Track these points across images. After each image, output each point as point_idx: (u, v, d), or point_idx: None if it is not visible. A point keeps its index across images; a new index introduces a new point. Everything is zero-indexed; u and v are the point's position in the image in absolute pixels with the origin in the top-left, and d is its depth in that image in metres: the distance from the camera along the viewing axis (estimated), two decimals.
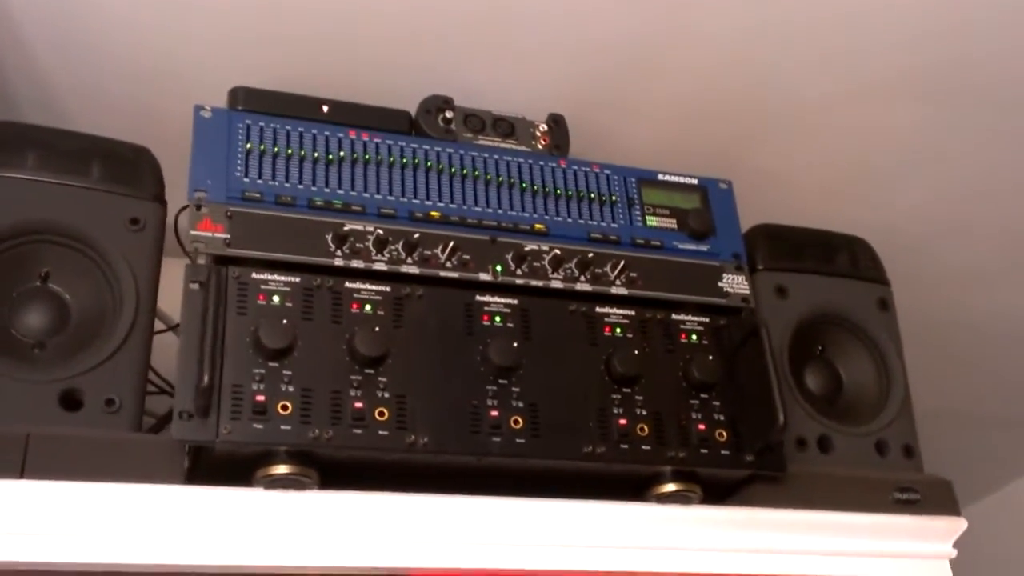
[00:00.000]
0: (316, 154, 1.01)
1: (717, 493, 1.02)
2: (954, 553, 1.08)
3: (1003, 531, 2.08)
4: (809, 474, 1.06)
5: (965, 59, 1.22)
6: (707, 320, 1.07)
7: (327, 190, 1.00)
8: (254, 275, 0.93)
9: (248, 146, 0.99)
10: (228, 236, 0.94)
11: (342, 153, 1.02)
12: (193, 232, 0.94)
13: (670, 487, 0.98)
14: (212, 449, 0.86)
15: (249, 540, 0.86)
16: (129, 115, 1.18)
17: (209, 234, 0.94)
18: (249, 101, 1.04)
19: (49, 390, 0.88)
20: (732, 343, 1.06)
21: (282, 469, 0.87)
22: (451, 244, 1.00)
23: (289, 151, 1.00)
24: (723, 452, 0.99)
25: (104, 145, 1.02)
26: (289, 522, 0.87)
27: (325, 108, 1.06)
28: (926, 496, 1.09)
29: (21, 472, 0.82)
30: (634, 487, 0.99)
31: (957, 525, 1.08)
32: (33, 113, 1.17)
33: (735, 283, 1.10)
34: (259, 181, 0.98)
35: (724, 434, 1.00)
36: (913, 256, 1.47)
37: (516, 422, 0.94)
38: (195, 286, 0.90)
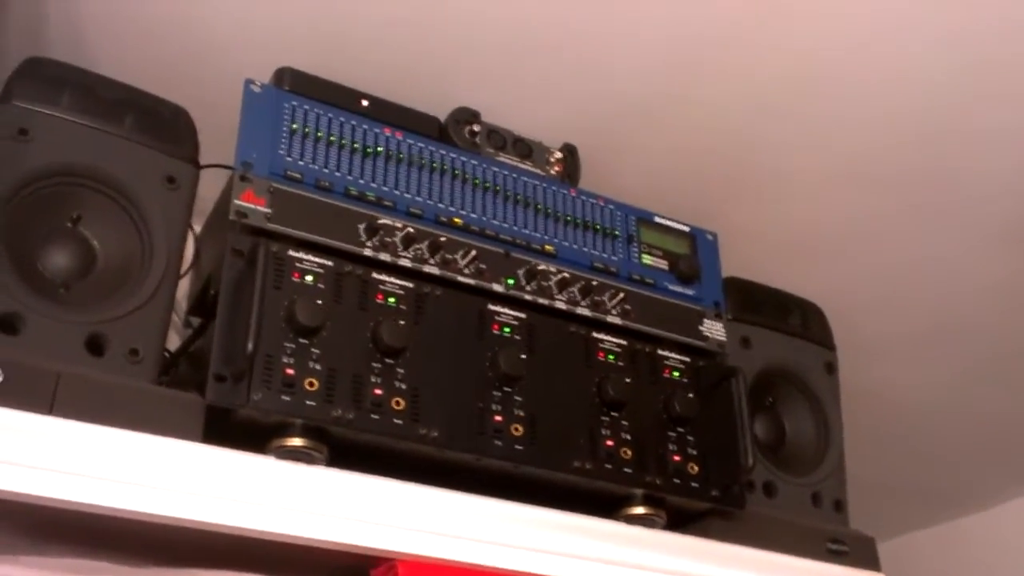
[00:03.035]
0: (356, 145, 1.05)
1: (678, 520, 1.09)
2: None
3: None
4: (757, 515, 1.15)
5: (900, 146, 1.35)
6: (688, 360, 1.14)
7: (362, 182, 1.04)
8: (291, 252, 0.96)
9: (294, 127, 1.02)
10: (269, 211, 0.97)
11: (379, 148, 1.06)
12: (237, 202, 0.96)
13: (640, 509, 1.06)
14: (235, 413, 0.89)
15: (255, 504, 0.88)
16: (163, 76, 1.18)
17: (252, 206, 0.97)
18: (295, 83, 1.07)
19: (76, 331, 0.89)
20: (707, 384, 1.14)
21: (296, 442, 0.91)
22: (472, 252, 1.05)
23: (332, 138, 1.04)
24: (693, 484, 1.07)
25: (146, 99, 1.03)
26: (295, 492, 0.90)
27: (365, 102, 1.10)
28: (853, 550, 1.20)
29: (50, 408, 0.83)
30: (606, 505, 1.06)
31: None
32: (66, 58, 1.17)
33: (714, 329, 1.18)
34: (300, 163, 1.01)
35: (695, 467, 1.08)
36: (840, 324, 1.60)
37: (516, 429, 0.99)
38: (237, 255, 0.93)
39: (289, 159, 1.01)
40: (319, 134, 1.03)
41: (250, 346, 0.85)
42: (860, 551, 1.20)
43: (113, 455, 0.84)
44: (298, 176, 1.00)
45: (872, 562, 1.20)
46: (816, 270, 1.55)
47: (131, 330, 0.92)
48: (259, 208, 0.97)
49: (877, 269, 1.59)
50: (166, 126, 1.02)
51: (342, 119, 1.06)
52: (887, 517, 2.21)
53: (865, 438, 1.73)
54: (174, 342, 1.15)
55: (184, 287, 1.20)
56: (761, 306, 1.32)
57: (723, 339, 1.18)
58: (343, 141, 1.04)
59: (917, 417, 1.98)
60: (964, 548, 2.40)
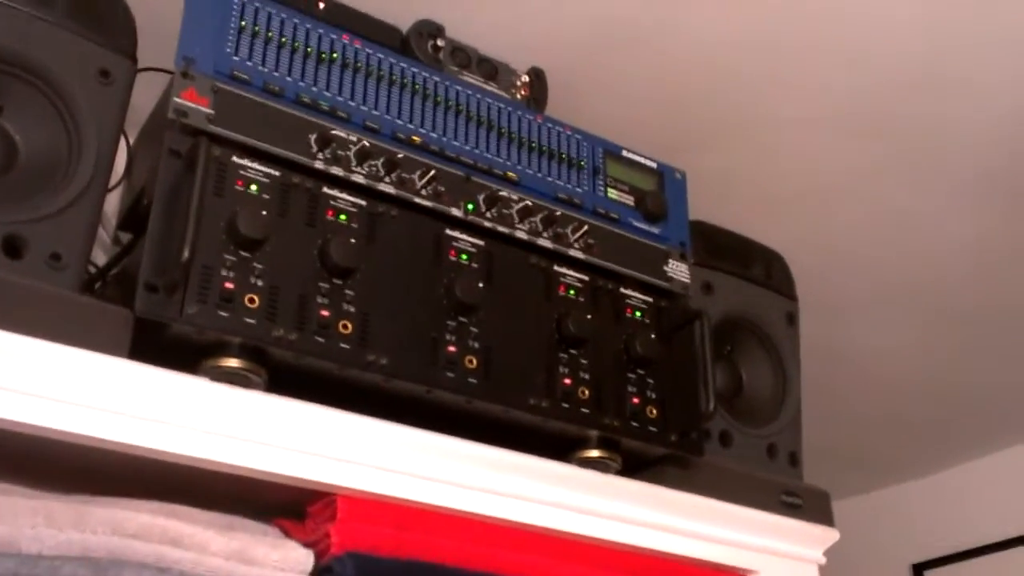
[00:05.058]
0: (309, 49, 0.97)
1: (633, 465, 1.04)
2: (824, 560, 1.15)
3: None
4: (712, 465, 1.11)
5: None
6: (651, 300, 1.09)
7: (315, 89, 0.96)
8: (234, 159, 0.88)
9: (242, 23, 0.94)
10: (212, 112, 0.89)
11: (334, 55, 0.98)
12: (177, 99, 0.88)
13: (594, 453, 1.01)
14: (167, 328, 0.81)
15: (184, 429, 0.81)
16: None
17: (193, 105, 0.88)
18: None
19: None
20: (670, 326, 1.09)
21: (233, 363, 0.84)
22: (430, 172, 0.98)
23: (283, 39, 0.96)
24: (651, 428, 1.02)
25: None
26: (229, 418, 0.83)
27: (321, 5, 1.03)
28: (807, 503, 1.16)
29: None
30: (559, 447, 1.00)
31: (830, 535, 1.16)
32: None
33: (678, 270, 1.13)
34: (248, 63, 0.93)
35: (654, 411, 1.03)
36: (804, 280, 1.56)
37: (471, 362, 0.93)
38: (174, 155, 0.85)
39: (236, 58, 0.92)
40: (269, 34, 0.95)
41: (186, 253, 0.78)
42: (814, 505, 1.17)
43: (30, 367, 0.76)
44: (245, 77, 0.92)
45: (826, 516, 1.17)
46: (784, 221, 1.51)
47: (53, 233, 0.84)
48: (201, 108, 0.88)
49: (847, 223, 1.56)
50: (102, 15, 0.93)
51: (296, 20, 0.98)
52: (836, 480, 2.21)
53: (819, 399, 1.71)
54: (102, 262, 1.07)
55: (114, 203, 1.11)
56: (724, 252, 1.28)
57: (687, 281, 1.13)
58: (296, 44, 0.96)
59: (874, 380, 1.97)
60: (907, 511, 2.42)
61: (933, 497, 2.39)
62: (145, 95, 1.01)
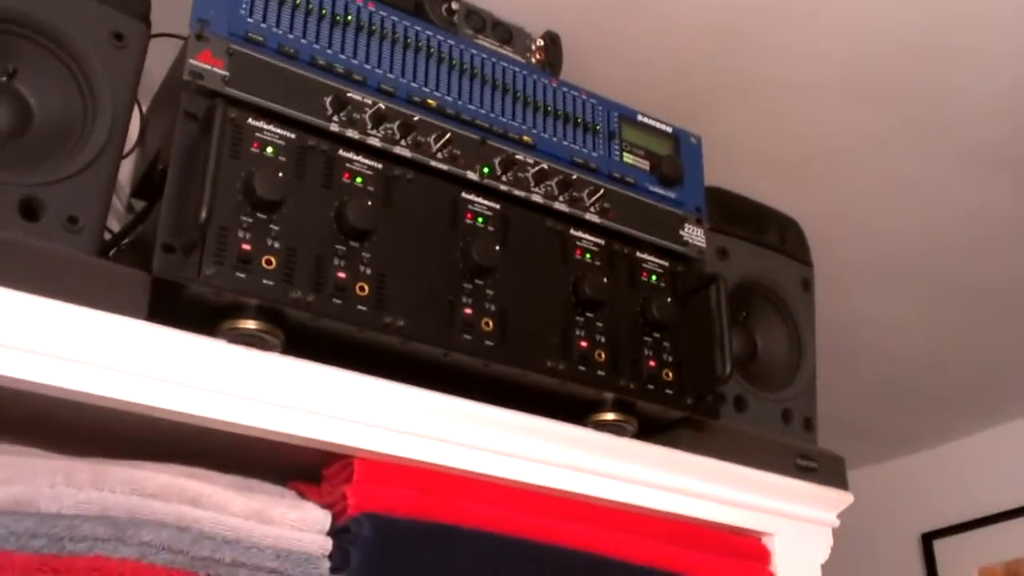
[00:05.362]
0: (323, 11, 0.96)
1: (648, 429, 1.04)
2: (837, 523, 1.15)
3: None
4: (727, 428, 1.10)
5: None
6: (667, 264, 1.09)
7: (330, 52, 0.95)
8: (250, 120, 0.88)
9: None
10: (227, 74, 0.88)
11: (349, 17, 0.98)
12: (192, 61, 0.87)
13: (610, 415, 1.01)
14: (185, 289, 0.81)
15: (202, 390, 0.81)
16: None
17: (209, 67, 0.88)
18: None
19: (9, 193, 0.81)
20: (686, 290, 1.09)
21: (251, 324, 0.84)
22: (447, 136, 0.97)
23: (297, 1, 0.95)
24: (667, 391, 1.02)
25: None
26: (246, 379, 0.83)
27: None
28: (822, 467, 1.16)
29: None
30: (575, 410, 1.00)
31: (844, 498, 1.16)
32: None
33: (694, 235, 1.13)
34: (263, 25, 0.93)
35: (670, 374, 1.03)
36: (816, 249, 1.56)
37: (487, 324, 0.93)
38: (190, 118, 0.85)
39: (251, 20, 0.92)
40: None
41: (203, 214, 0.78)
42: (829, 468, 1.17)
43: (47, 328, 0.76)
44: (260, 39, 0.91)
45: (840, 480, 1.17)
46: (796, 187, 1.50)
47: (70, 196, 0.84)
48: (216, 70, 0.88)
49: (857, 189, 1.55)
50: None
51: None
52: (845, 450, 2.21)
53: (826, 368, 1.71)
54: (115, 230, 1.07)
55: (127, 171, 1.11)
56: (740, 217, 1.27)
57: (703, 246, 1.13)
58: (310, 6, 0.96)
59: (879, 351, 1.96)
60: (916, 482, 2.42)
61: (941, 468, 2.39)
62: (157, 63, 1.01)
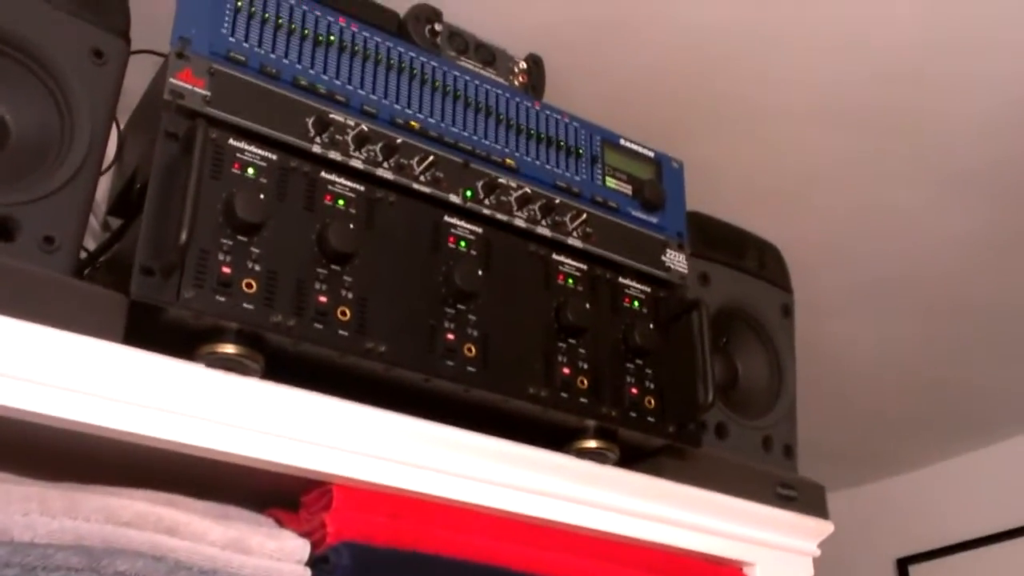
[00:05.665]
0: (306, 31, 0.95)
1: (630, 456, 1.03)
2: (818, 552, 1.14)
3: None
4: (709, 456, 1.10)
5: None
6: (649, 290, 1.08)
7: (312, 72, 0.94)
8: (231, 141, 0.87)
9: (238, 4, 0.92)
10: (208, 94, 0.87)
11: (332, 37, 0.97)
12: (172, 80, 0.86)
13: (592, 443, 1.00)
14: (163, 313, 0.80)
15: (179, 416, 0.80)
16: None
17: (189, 86, 0.87)
18: None
19: None
20: (668, 316, 1.08)
21: (230, 349, 0.82)
22: (429, 158, 0.96)
23: (280, 21, 0.94)
24: (649, 419, 1.01)
25: None
26: (225, 405, 0.82)
27: None
28: (802, 496, 1.16)
29: None
30: (557, 437, 0.99)
31: (824, 528, 1.15)
32: None
33: (676, 260, 1.12)
34: (245, 44, 0.91)
35: (652, 401, 1.02)
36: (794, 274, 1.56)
37: (470, 350, 0.92)
38: (170, 138, 0.83)
39: (232, 39, 0.91)
40: (266, 15, 0.93)
41: (183, 235, 0.76)
42: (809, 497, 1.16)
43: (22, 351, 0.74)
44: (242, 59, 0.90)
45: (820, 509, 1.17)
46: (776, 213, 1.51)
47: (47, 216, 0.82)
48: (197, 89, 0.87)
49: (836, 215, 1.55)
50: None
51: (292, 2, 0.96)
52: (821, 474, 2.21)
53: (803, 393, 1.71)
54: (91, 248, 1.05)
55: (103, 189, 1.09)
56: (720, 243, 1.27)
57: (684, 271, 1.12)
58: (292, 26, 0.95)
59: (857, 376, 1.97)
60: (892, 507, 2.42)
61: (917, 493, 2.40)
62: (135, 79, 1.00)
